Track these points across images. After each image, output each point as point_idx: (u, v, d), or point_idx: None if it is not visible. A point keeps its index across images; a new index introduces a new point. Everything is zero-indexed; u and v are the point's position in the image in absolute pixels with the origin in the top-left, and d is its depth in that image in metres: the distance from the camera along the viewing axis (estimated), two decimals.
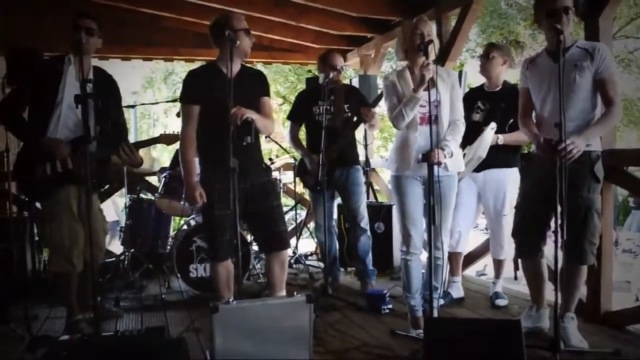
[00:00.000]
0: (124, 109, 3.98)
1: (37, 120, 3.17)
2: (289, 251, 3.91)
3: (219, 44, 3.04)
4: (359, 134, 4.68)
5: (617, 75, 2.89)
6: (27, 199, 4.54)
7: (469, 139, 3.64)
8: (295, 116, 4.35)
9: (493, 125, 3.54)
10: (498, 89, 3.77)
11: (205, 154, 3.09)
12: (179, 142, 3.19)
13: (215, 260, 3.09)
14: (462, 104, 3.21)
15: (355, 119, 4.09)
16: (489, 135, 3.54)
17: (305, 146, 4.32)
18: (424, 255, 3.23)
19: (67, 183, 3.20)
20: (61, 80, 3.14)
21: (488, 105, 3.74)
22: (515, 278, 4.78)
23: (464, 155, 3.60)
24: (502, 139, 3.61)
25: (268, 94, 3.16)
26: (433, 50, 2.94)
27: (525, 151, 3.90)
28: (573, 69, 2.79)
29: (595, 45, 2.84)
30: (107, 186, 5.22)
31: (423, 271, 3.27)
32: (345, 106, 4.16)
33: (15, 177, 3.37)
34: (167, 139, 3.57)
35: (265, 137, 4.87)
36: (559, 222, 2.60)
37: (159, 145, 4.10)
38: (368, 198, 5.15)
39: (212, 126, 2.97)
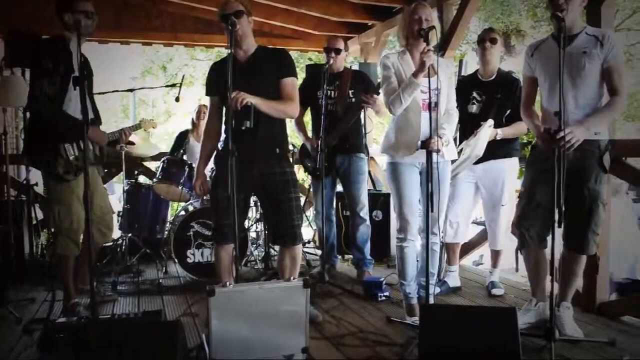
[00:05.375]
0: (122, 93, 4.02)
1: (55, 100, 3.13)
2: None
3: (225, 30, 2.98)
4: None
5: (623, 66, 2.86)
6: (26, 183, 4.56)
7: (466, 132, 3.62)
8: (300, 100, 4.33)
9: (490, 122, 3.51)
10: (493, 77, 3.72)
11: (223, 140, 3.11)
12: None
13: (215, 242, 3.10)
14: (455, 93, 3.21)
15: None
16: (486, 133, 3.50)
17: (309, 131, 4.31)
18: (418, 242, 3.23)
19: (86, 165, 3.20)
20: (72, 61, 3.13)
21: (484, 96, 3.70)
22: (517, 270, 4.78)
23: (461, 151, 3.59)
24: (500, 134, 3.58)
25: (290, 74, 3.00)
26: (435, 36, 2.90)
27: (525, 140, 3.88)
28: (582, 55, 2.75)
29: (605, 32, 2.80)
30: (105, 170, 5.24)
31: (418, 259, 3.27)
32: (350, 91, 4.14)
33: (28, 155, 3.36)
34: (146, 125, 3.83)
35: None
36: (557, 211, 2.59)
37: (155, 132, 4.21)
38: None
39: (226, 113, 3.00)
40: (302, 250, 5.07)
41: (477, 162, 3.66)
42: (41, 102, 3.10)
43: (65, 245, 3.29)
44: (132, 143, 4.04)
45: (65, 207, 3.25)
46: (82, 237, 3.33)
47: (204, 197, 4.57)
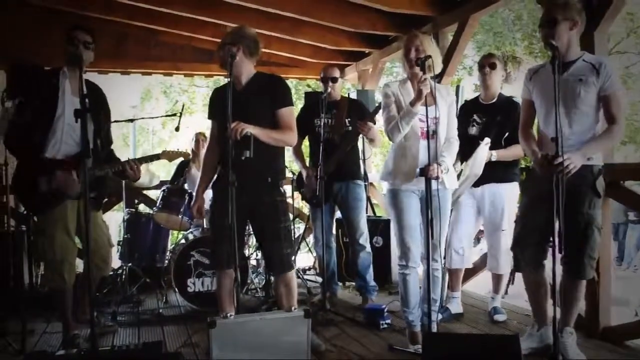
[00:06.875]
0: (123, 122, 3.97)
1: (36, 135, 3.15)
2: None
3: (218, 54, 3.04)
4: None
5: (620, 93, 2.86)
6: (26, 213, 4.55)
7: (465, 154, 3.64)
8: (298, 129, 4.37)
9: (487, 140, 3.54)
10: (494, 101, 3.76)
11: (220, 166, 3.14)
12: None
13: (213, 267, 3.11)
14: (457, 120, 3.23)
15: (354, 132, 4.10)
16: (484, 152, 3.53)
17: (307, 159, 4.33)
18: (420, 269, 3.22)
19: (65, 198, 3.18)
20: (58, 95, 3.14)
21: (484, 118, 3.74)
22: (506, 292, 4.73)
23: (460, 172, 3.61)
24: (495, 155, 3.59)
25: (287, 103, 3.03)
26: (432, 65, 2.93)
27: (523, 165, 3.90)
28: (578, 82, 2.77)
29: (601, 60, 2.82)
30: (105, 199, 5.23)
31: (420, 285, 3.26)
32: (347, 120, 4.18)
33: (14, 191, 3.36)
34: (168, 156, 3.57)
35: None
36: (557, 236, 2.59)
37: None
38: (367, 212, 5.14)
39: (222, 140, 3.04)
40: (304, 278, 5.08)
41: (477, 185, 3.68)
42: None
43: (49, 278, 3.24)
44: (126, 176, 3.38)
45: (47, 239, 3.18)
46: (67, 268, 3.21)
47: (204, 225, 4.59)
